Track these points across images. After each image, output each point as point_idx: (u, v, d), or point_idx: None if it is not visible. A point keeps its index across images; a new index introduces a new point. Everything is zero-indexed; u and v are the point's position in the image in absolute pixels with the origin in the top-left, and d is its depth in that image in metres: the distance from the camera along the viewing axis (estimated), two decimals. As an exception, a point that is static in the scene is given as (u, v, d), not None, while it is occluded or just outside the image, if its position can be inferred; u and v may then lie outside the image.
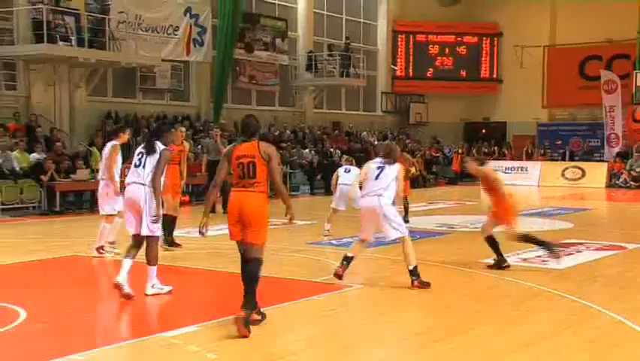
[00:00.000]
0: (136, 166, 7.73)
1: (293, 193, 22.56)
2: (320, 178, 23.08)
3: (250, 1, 26.24)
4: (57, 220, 14.74)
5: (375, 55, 32.31)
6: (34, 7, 18.39)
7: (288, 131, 25.93)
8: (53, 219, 15.07)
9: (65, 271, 9.67)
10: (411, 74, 33.04)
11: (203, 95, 24.48)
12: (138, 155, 7.78)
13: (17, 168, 16.74)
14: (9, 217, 15.53)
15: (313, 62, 27.95)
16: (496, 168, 27.67)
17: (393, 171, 8.20)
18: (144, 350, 5.86)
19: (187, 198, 18.99)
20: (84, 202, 17.64)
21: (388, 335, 6.38)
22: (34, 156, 17.32)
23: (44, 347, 5.87)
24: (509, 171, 26.87)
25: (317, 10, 29.06)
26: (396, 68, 32.74)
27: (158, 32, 22.36)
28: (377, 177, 8.16)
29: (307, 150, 24.75)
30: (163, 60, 22.18)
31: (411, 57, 32.98)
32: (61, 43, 18.65)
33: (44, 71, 19.59)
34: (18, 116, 18.90)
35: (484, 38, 33.50)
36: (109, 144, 9.98)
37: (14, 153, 17.09)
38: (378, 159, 8.42)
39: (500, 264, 9.29)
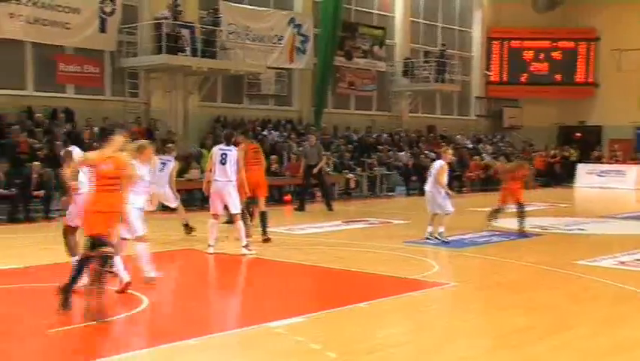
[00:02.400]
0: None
1: (389, 194, 22.52)
2: (415, 179, 22.90)
3: (350, 10, 26.37)
4: (173, 216, 15.31)
5: (470, 61, 31.72)
6: (157, 21, 19.25)
7: (384, 135, 25.87)
8: (170, 215, 15.64)
9: (184, 263, 10.06)
10: (505, 78, 32.22)
11: (305, 100, 24.79)
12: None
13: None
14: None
15: (410, 68, 27.75)
16: (592, 170, 26.84)
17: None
18: (250, 338, 5.97)
19: (289, 197, 19.35)
20: (195, 200, 18.27)
21: (484, 331, 6.30)
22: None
23: (162, 331, 6.15)
24: (604, 175, 25.70)
25: (413, 19, 28.83)
26: (490, 73, 32.03)
27: (264, 42, 22.87)
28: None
29: (403, 153, 24.61)
30: (268, 68, 22.62)
31: (505, 62, 32.16)
32: (178, 53, 19.43)
33: (162, 80, 20.47)
34: (140, 121, 19.86)
35: (580, 43, 32.18)
36: (236, 150, 10.06)
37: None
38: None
39: None
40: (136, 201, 7.39)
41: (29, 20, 17.68)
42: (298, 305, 7.22)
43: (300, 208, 16.83)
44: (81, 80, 19.13)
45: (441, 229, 11.38)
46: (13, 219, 14.07)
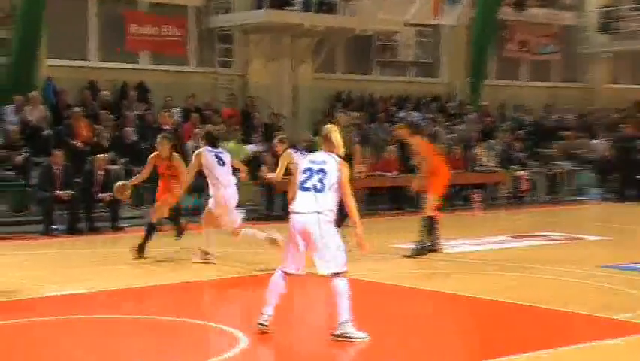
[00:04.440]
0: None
1: (578, 198, 21.79)
2: (615, 178, 21.94)
3: (521, -58, 25.78)
4: (275, 225, 15.45)
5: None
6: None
7: (571, 115, 25.05)
8: (271, 225, 15.79)
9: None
10: None
11: (457, 68, 24.41)
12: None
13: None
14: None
15: (609, 20, 26.71)
16: None
17: None
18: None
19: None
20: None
21: None
22: (251, 148, 18.38)
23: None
24: None
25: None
26: None
27: (400, -11, 22.75)
28: None
29: (598, 141, 23.68)
30: (406, 25, 22.46)
31: None
32: (285, 8, 19.68)
33: (264, 44, 20.81)
34: (233, 100, 20.25)
35: None
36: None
37: (229, 143, 18.25)
38: None
39: None
40: None
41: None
42: (452, 351, 7.18)
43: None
44: (158, 46, 19.83)
45: None
46: (73, 230, 14.70)
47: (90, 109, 17.55)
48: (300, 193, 7.22)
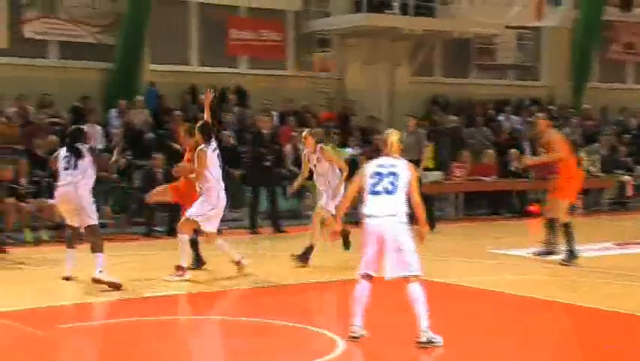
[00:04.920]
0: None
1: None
2: None
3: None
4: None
5: None
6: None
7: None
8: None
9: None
10: None
11: (559, 71, 23.90)
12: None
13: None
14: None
15: None
16: None
17: None
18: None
19: (536, 206, 18.66)
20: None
21: None
22: (350, 152, 18.35)
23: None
24: None
25: None
26: None
27: (500, -9, 22.41)
28: None
29: None
30: (506, 27, 22.13)
31: None
32: (384, 11, 19.61)
33: (362, 48, 20.80)
34: (331, 103, 20.30)
35: None
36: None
37: (327, 147, 18.27)
38: None
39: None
40: None
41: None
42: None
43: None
44: (257, 51, 20.08)
45: None
46: (173, 231, 14.77)
47: (190, 113, 17.82)
48: (370, 198, 7.17)
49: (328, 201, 11.21)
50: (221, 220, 15.11)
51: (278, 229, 15.43)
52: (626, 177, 20.45)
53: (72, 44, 18.01)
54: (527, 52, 23.83)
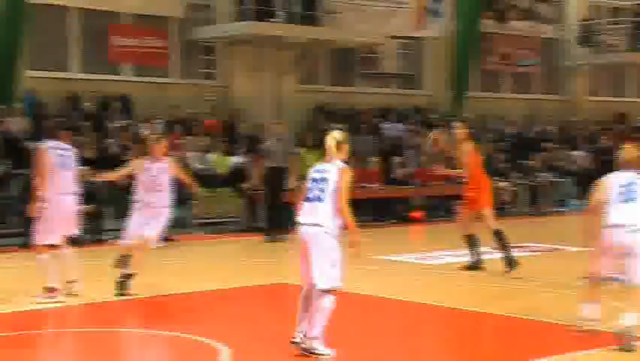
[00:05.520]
0: None
1: (559, 209, 21.76)
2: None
3: (502, -45, 25.89)
4: (257, 239, 15.39)
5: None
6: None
7: (552, 127, 25.10)
8: (253, 238, 15.74)
9: (272, 302, 10.07)
10: None
11: (440, 80, 24.40)
12: None
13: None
14: (205, 233, 16.47)
15: (589, 33, 26.81)
16: None
17: None
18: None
19: (418, 213, 19.02)
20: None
21: None
22: (235, 160, 18.27)
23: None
24: None
25: (594, -37, 27.95)
26: None
27: (382, 1, 22.71)
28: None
29: (579, 152, 23.75)
30: (389, 37, 22.46)
31: None
32: (268, 20, 19.57)
33: (247, 56, 20.71)
34: (216, 111, 20.16)
35: None
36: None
37: (212, 155, 18.17)
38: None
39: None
40: None
41: (75, -20, 18.51)
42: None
43: (270, 237, 15.04)
44: (140, 58, 19.72)
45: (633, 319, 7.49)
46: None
47: (71, 121, 17.37)
48: (304, 205, 7.01)
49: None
50: (105, 230, 15.10)
51: (165, 238, 15.20)
52: (503, 184, 21.02)
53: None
54: (409, 61, 24.26)
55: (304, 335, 6.90)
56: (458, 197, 18.95)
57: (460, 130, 11.90)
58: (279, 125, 16.20)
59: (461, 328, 8.77)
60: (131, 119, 18.47)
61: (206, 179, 17.23)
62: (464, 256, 12.24)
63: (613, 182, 7.63)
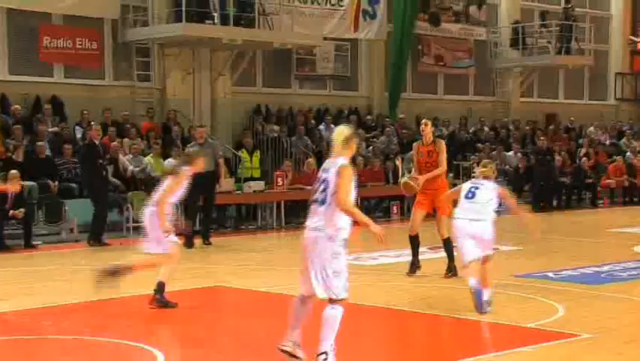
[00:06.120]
0: None
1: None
2: (529, 188, 22.36)
3: (436, -42, 26.13)
4: (196, 242, 15.29)
5: (607, 23, 30.90)
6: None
7: (486, 128, 25.41)
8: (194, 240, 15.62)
9: (209, 305, 10.02)
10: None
11: (376, 82, 24.57)
12: None
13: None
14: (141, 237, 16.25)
15: (521, 36, 27.22)
16: None
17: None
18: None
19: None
20: (228, 219, 18.19)
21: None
22: (170, 162, 18.08)
23: None
24: None
25: (525, -33, 28.43)
26: (637, 39, 31.19)
27: (318, 4, 22.75)
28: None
29: (512, 153, 24.10)
30: (325, 39, 22.50)
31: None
32: (204, 22, 19.43)
33: (182, 57, 20.55)
34: (152, 113, 19.94)
35: None
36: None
37: (147, 158, 17.96)
38: None
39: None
40: None
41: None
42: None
43: (188, 244, 14.36)
44: (73, 59, 19.35)
45: (486, 296, 8.73)
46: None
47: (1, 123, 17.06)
48: (311, 207, 6.44)
49: None
50: (37, 235, 14.88)
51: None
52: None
53: None
54: (346, 63, 24.32)
55: (294, 343, 6.44)
56: (395, 198, 19.35)
57: (427, 126, 11.48)
58: (202, 128, 16.09)
59: (395, 327, 8.82)
60: (64, 121, 18.20)
61: (143, 182, 17.14)
62: (400, 257, 12.31)
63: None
